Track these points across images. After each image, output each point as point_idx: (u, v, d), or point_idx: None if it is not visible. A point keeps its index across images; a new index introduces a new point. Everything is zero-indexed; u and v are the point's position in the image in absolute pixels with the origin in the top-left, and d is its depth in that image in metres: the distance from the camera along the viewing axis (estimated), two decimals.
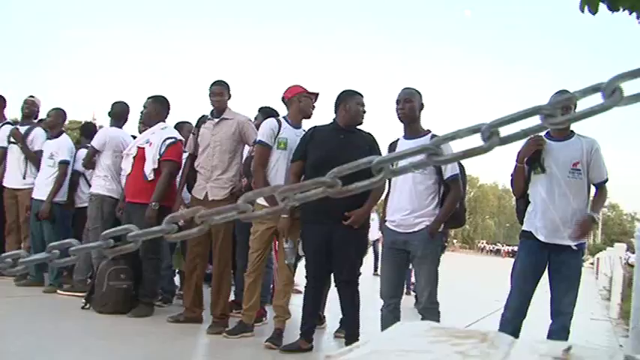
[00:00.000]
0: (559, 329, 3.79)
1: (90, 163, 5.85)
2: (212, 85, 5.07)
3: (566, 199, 3.89)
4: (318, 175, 3.78)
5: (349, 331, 4.45)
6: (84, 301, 5.24)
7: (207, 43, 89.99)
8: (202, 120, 5.18)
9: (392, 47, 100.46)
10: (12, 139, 6.36)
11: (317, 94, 4.85)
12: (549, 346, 0.78)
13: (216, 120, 5.04)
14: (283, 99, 4.81)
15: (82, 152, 6.14)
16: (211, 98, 5.04)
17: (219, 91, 5.04)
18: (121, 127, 5.97)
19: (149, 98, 5.48)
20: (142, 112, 5.57)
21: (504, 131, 0.79)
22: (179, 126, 5.98)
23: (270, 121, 4.75)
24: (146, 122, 5.50)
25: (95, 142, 5.80)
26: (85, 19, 78.72)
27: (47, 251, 1.10)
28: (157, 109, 5.44)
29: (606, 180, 3.98)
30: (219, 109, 5.06)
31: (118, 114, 5.95)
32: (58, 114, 6.36)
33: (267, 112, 5.42)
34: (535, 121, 0.80)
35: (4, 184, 6.48)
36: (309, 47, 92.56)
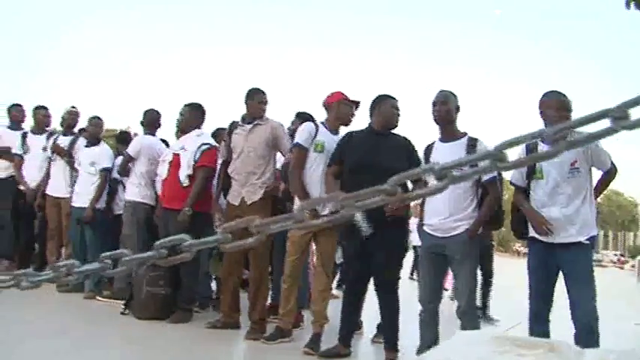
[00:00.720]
0: (580, 330, 3.66)
1: (125, 170, 5.95)
2: (259, 93, 5.10)
3: (569, 197, 3.83)
4: (355, 178, 3.81)
5: (388, 336, 4.41)
6: (123, 307, 5.30)
7: (230, 47, 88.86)
8: (234, 126, 5.19)
9: (421, 48, 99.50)
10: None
11: (358, 103, 4.85)
12: (618, 355, 0.75)
13: (250, 126, 5.06)
14: (324, 104, 4.83)
15: (120, 160, 6.25)
16: (261, 106, 5.07)
17: (267, 100, 5.11)
18: (154, 135, 6.07)
19: (185, 106, 5.55)
20: (178, 120, 5.62)
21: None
22: (217, 133, 6.00)
23: (308, 125, 4.79)
24: (182, 129, 5.56)
25: (130, 150, 5.91)
26: (107, 22, 78.55)
27: (99, 261, 1.10)
28: (193, 115, 5.51)
29: (611, 166, 3.91)
30: (261, 116, 5.08)
31: (151, 122, 6.07)
32: (99, 123, 6.48)
33: (304, 117, 5.43)
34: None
35: (48, 192, 6.62)
36: (332, 51, 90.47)
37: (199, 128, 5.53)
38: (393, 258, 4.40)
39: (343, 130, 4.81)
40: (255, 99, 5.08)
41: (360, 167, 4.20)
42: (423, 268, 4.28)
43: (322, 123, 4.80)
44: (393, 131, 4.50)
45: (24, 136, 7.01)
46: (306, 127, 4.75)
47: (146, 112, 6.10)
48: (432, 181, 0.84)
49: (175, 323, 5.11)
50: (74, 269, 1.15)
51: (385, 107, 4.45)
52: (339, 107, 4.77)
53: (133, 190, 5.85)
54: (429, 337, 4.03)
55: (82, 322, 4.99)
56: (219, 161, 5.35)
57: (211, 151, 5.39)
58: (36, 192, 6.79)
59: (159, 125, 6.15)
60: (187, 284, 5.31)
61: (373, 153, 4.28)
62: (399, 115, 4.49)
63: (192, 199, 5.18)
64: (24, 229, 6.95)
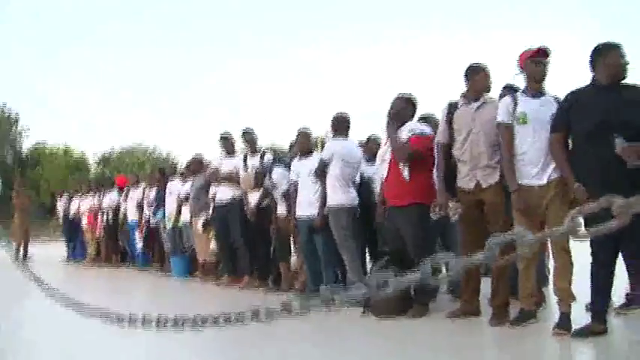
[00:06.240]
0: None
1: (321, 175, 6.13)
2: (483, 68, 4.93)
3: None
4: (592, 143, 3.47)
5: None
6: (362, 308, 5.43)
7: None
8: (453, 106, 4.99)
9: None
10: None
11: (541, 51, 4.47)
12: None
13: (477, 104, 4.87)
14: (519, 67, 4.59)
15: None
16: (489, 81, 4.92)
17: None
18: (345, 138, 6.21)
19: (397, 96, 5.50)
20: (389, 111, 5.54)
21: None
22: (424, 120, 5.83)
23: (504, 100, 4.60)
24: (394, 119, 5.41)
25: (324, 154, 6.12)
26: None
27: (418, 269, 1.10)
28: (404, 106, 5.44)
29: None
30: (489, 90, 4.93)
31: (339, 125, 6.24)
32: (308, 134, 6.79)
33: (507, 89, 5.17)
34: None
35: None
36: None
37: (412, 119, 5.46)
38: None
39: (558, 91, 4.49)
40: (478, 73, 4.89)
41: (599, 129, 3.88)
42: None
43: (523, 91, 4.56)
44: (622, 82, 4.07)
45: (245, 158, 7.59)
46: (502, 103, 4.58)
47: (334, 117, 6.29)
48: None
49: (414, 318, 5.13)
50: (390, 279, 1.16)
51: (611, 57, 4.03)
52: (528, 65, 4.48)
53: (331, 196, 6.02)
54: None
55: (325, 322, 5.15)
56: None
57: (422, 136, 5.26)
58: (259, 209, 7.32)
59: (348, 128, 6.27)
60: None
61: (612, 111, 3.91)
62: (627, 63, 4.05)
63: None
64: (260, 244, 7.47)
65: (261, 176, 7.25)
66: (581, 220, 0.89)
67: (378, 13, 61.55)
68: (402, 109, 5.43)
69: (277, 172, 7.08)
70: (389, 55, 59.75)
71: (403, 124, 5.37)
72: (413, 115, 5.48)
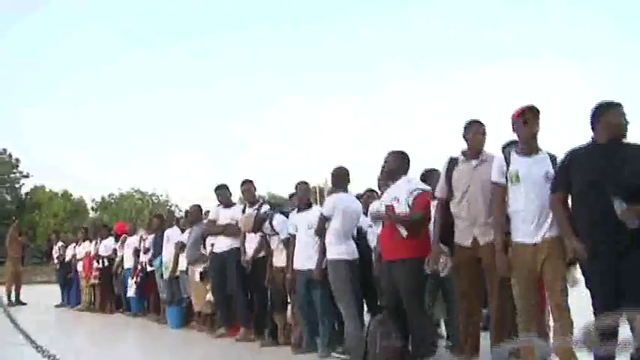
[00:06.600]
0: None
1: (322, 230, 6.09)
2: (478, 124, 4.98)
3: None
4: (589, 202, 3.47)
5: None
6: None
7: None
8: (453, 162, 5.01)
9: None
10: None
11: (527, 110, 4.48)
12: None
13: (475, 162, 4.90)
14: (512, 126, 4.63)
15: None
16: (482, 138, 4.95)
17: (486, 131, 4.99)
18: (345, 191, 6.21)
19: (390, 153, 5.52)
20: (382, 168, 5.59)
21: None
22: (427, 175, 5.87)
23: (497, 159, 4.65)
24: (388, 177, 5.54)
25: (325, 210, 6.08)
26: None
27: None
28: (399, 163, 5.45)
29: None
30: (482, 148, 4.95)
31: (339, 179, 6.25)
32: (307, 187, 6.81)
33: (510, 144, 5.19)
34: None
35: (274, 263, 6.99)
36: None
37: (405, 175, 5.43)
38: None
39: (558, 149, 4.52)
40: (473, 130, 4.94)
41: (595, 188, 3.90)
42: None
43: (515, 150, 4.58)
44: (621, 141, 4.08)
45: (243, 210, 7.55)
46: (495, 163, 4.62)
47: (335, 170, 6.29)
48: None
49: None
50: None
51: (611, 116, 4.04)
52: (517, 126, 4.51)
53: (330, 249, 5.99)
54: None
55: None
56: (433, 202, 5.20)
57: (423, 195, 5.26)
58: (254, 261, 7.27)
59: (348, 181, 6.28)
60: (418, 334, 5.22)
61: (608, 170, 3.92)
62: (627, 122, 4.07)
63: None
64: (257, 294, 7.38)
65: (260, 221, 7.19)
66: (596, 331, 0.87)
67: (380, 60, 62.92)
68: (397, 165, 5.45)
69: (278, 219, 7.03)
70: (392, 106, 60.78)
71: (396, 181, 5.40)
72: (407, 171, 5.48)
